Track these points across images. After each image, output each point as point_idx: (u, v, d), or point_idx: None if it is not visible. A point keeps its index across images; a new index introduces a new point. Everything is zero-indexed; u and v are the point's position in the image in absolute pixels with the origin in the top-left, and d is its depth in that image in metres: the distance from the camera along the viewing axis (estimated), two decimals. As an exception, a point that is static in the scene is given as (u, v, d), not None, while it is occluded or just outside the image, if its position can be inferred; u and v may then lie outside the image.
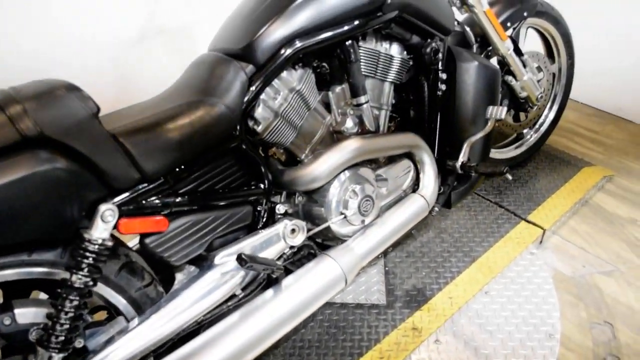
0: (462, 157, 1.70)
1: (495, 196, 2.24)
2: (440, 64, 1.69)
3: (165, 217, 1.22)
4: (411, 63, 1.69)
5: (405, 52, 1.65)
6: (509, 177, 1.62)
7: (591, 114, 3.03)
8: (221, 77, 1.31)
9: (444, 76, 1.72)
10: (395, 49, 1.61)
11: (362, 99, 1.52)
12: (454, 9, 1.79)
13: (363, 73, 1.55)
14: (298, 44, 1.35)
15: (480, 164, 1.69)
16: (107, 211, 1.10)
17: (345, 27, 1.41)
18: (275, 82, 1.38)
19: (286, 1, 1.37)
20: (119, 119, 1.20)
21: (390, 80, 1.63)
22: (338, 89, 1.54)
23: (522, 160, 2.39)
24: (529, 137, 2.39)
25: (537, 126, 2.41)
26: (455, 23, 1.84)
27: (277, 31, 1.35)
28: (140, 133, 1.16)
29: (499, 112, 1.66)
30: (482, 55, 1.96)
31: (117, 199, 1.14)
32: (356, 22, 1.42)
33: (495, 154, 2.30)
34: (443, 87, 1.73)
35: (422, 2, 1.52)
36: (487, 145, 1.82)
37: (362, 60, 1.54)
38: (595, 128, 2.88)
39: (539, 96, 2.13)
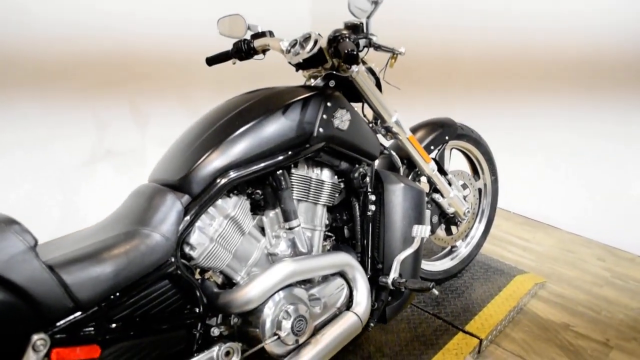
0: (393, 274, 1.79)
1: (434, 308, 2.31)
2: (368, 186, 1.83)
3: (98, 345, 1.24)
4: (342, 186, 1.82)
5: (335, 177, 1.78)
6: (436, 292, 1.71)
7: (522, 222, 3.23)
8: (157, 207, 1.39)
9: (372, 197, 1.85)
10: (325, 175, 1.75)
11: (294, 222, 1.62)
12: (380, 136, 1.97)
13: (296, 197, 1.66)
14: (232, 174, 1.47)
15: (409, 280, 1.78)
16: (39, 341, 1.13)
17: (277, 159, 1.54)
18: (211, 210, 1.48)
19: (220, 136, 1.50)
20: (56, 248, 1.26)
21: (323, 203, 1.74)
22: (271, 213, 1.64)
23: (457, 272, 2.51)
24: (462, 249, 2.53)
25: (468, 239, 2.55)
26: (383, 148, 2.02)
27: (212, 163, 1.46)
28: (76, 263, 1.21)
29: (424, 230, 1.78)
30: (410, 176, 2.13)
31: (50, 328, 1.17)
32: (286, 154, 1.55)
33: (431, 266, 2.41)
34: (373, 207, 1.85)
35: (346, 134, 1.68)
36: (417, 261, 1.92)
37: (294, 186, 1.66)
38: (526, 236, 3.06)
39: (466, 211, 2.30)
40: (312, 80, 1.81)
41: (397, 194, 1.86)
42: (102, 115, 2.98)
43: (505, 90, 3.21)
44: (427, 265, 2.38)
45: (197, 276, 1.56)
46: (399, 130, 1.96)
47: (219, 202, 1.49)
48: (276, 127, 1.54)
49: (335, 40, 1.61)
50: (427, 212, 2.18)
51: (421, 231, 1.78)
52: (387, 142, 2.05)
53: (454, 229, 2.40)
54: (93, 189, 2.99)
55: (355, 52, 1.51)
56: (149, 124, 3.22)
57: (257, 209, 1.65)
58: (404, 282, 1.76)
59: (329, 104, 1.63)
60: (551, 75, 3.00)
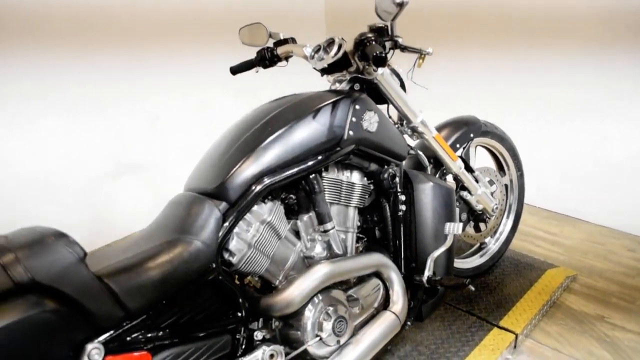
0: (427, 272, 1.81)
1: (467, 305, 2.32)
2: (398, 187, 1.85)
3: (149, 352, 1.27)
4: (372, 187, 1.84)
5: (365, 179, 1.81)
6: (472, 288, 1.72)
7: (548, 216, 3.22)
8: (196, 215, 1.43)
9: (402, 197, 1.87)
10: (356, 177, 1.77)
11: (329, 225, 1.64)
12: (406, 136, 1.99)
13: (328, 201, 1.69)
14: (266, 180, 1.50)
15: (444, 277, 1.79)
16: (94, 350, 1.17)
17: (308, 163, 1.56)
18: (247, 216, 1.51)
19: (253, 144, 1.53)
20: (104, 259, 1.29)
21: (354, 205, 1.77)
22: (305, 217, 1.66)
23: (487, 268, 2.51)
24: (491, 245, 2.53)
25: (497, 235, 2.55)
26: (409, 148, 2.04)
27: (247, 171, 1.49)
28: (124, 273, 1.24)
29: (456, 227, 1.79)
30: (437, 175, 2.14)
31: (103, 337, 1.21)
32: (318, 158, 1.58)
33: (461, 263, 2.42)
34: (403, 207, 1.87)
35: (375, 135, 1.70)
36: (450, 259, 1.94)
37: (326, 189, 1.68)
38: (554, 230, 3.05)
39: (494, 207, 2.30)
40: (337, 84, 1.84)
41: (427, 193, 1.88)
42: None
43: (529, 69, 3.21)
44: (457, 263, 2.39)
45: (237, 282, 1.59)
46: (424, 130, 1.97)
47: (255, 208, 1.52)
48: (307, 132, 1.57)
49: (361, 43, 1.64)
50: (456, 210, 2.20)
51: (453, 228, 1.80)
52: (413, 142, 2.07)
53: (482, 225, 2.40)
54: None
55: (383, 55, 1.54)
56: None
57: (290, 213, 1.68)
58: (439, 280, 1.78)
59: (357, 106, 1.65)
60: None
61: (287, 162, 1.53)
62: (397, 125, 1.98)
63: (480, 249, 2.53)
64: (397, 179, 1.83)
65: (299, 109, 1.61)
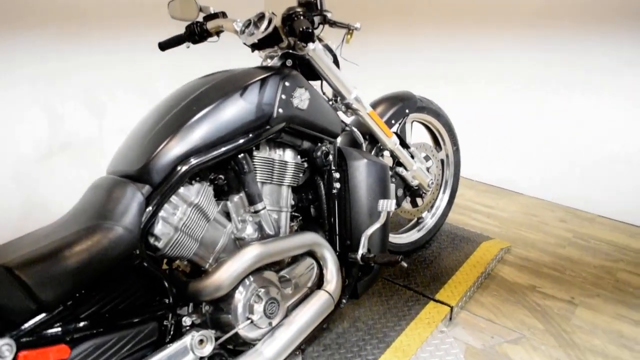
0: (362, 249, 1.81)
1: (404, 280, 2.35)
2: (332, 164, 1.83)
3: (67, 345, 1.22)
4: (306, 166, 1.81)
5: (298, 157, 1.77)
6: (404, 264, 1.73)
7: (486, 190, 3.29)
8: (118, 200, 1.36)
9: (337, 175, 1.85)
10: (288, 155, 1.74)
11: (259, 205, 1.61)
12: (340, 113, 1.97)
13: (260, 180, 1.65)
14: (192, 161, 1.44)
15: (378, 255, 1.80)
16: (4, 346, 1.10)
17: (237, 143, 1.51)
18: (173, 199, 1.45)
19: (178, 123, 1.47)
20: (14, 250, 1.22)
21: (287, 184, 1.74)
22: (236, 198, 1.62)
23: (424, 242, 2.55)
24: (427, 220, 2.56)
25: (433, 210, 2.59)
26: (344, 125, 2.02)
27: (171, 151, 1.43)
28: (36, 264, 1.17)
29: (389, 205, 1.79)
30: (373, 152, 2.13)
31: (14, 332, 1.14)
32: (246, 137, 1.53)
33: (399, 238, 2.44)
34: (337, 185, 1.85)
35: (306, 113, 1.66)
36: (385, 235, 1.94)
37: (257, 168, 1.64)
38: (490, 203, 3.12)
39: (430, 182, 2.32)
40: (269, 60, 1.79)
41: (361, 170, 1.87)
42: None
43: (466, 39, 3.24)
44: (394, 238, 2.41)
45: (165, 266, 1.54)
46: (359, 107, 1.95)
47: (181, 190, 1.47)
48: (235, 110, 1.52)
49: (289, 18, 1.59)
50: (392, 186, 2.21)
51: (387, 205, 1.79)
52: (348, 119, 2.05)
53: (419, 200, 2.43)
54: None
55: (310, 30, 1.50)
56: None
57: (221, 194, 1.64)
58: (373, 257, 1.78)
59: (287, 83, 1.61)
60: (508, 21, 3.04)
61: (213, 141, 1.48)
62: (331, 102, 1.96)
63: (417, 223, 2.56)
64: (331, 157, 1.81)
65: (227, 86, 1.56)
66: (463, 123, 2.76)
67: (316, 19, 1.67)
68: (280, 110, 1.58)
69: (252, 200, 1.60)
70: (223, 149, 1.49)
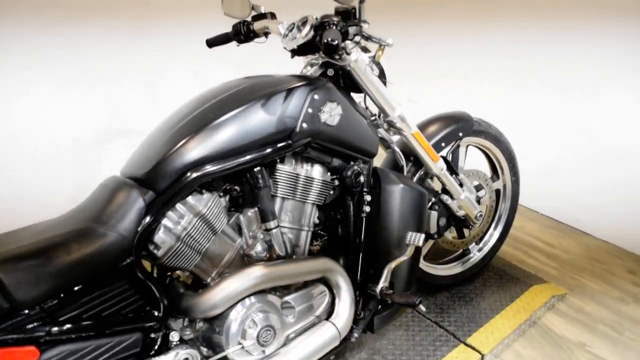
0: (382, 283, 1.66)
1: (437, 315, 2.17)
2: (363, 186, 1.69)
3: (37, 347, 1.17)
4: (336, 183, 1.68)
5: (328, 174, 1.65)
6: (423, 308, 1.57)
7: (550, 225, 3.00)
8: (117, 203, 1.31)
9: (368, 198, 1.71)
10: (316, 171, 1.62)
11: (271, 224, 1.50)
12: (383, 131, 1.82)
13: (282, 195, 1.55)
14: (201, 170, 1.35)
15: (397, 292, 1.64)
16: None
17: (252, 155, 1.41)
18: (180, 207, 1.37)
19: (191, 129, 1.39)
20: (1, 245, 1.19)
21: (312, 201, 1.62)
22: (250, 212, 1.52)
23: (467, 277, 2.34)
24: (474, 253, 2.36)
25: (482, 244, 2.37)
26: (386, 144, 1.87)
27: (180, 158, 1.35)
28: (16, 262, 1.13)
29: (418, 238, 1.63)
30: (418, 175, 1.97)
31: None
32: (264, 151, 1.42)
33: (438, 269, 2.25)
34: (367, 208, 1.71)
35: (336, 129, 1.53)
36: (411, 271, 1.78)
37: (280, 182, 1.54)
38: (552, 241, 2.84)
39: (478, 215, 2.12)
40: (309, 68, 1.68)
41: (395, 196, 1.72)
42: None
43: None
44: (433, 269, 2.23)
45: (167, 275, 1.48)
46: (403, 126, 1.79)
47: (190, 198, 1.39)
48: (254, 121, 1.41)
49: (321, 27, 1.46)
50: (434, 214, 2.03)
51: (415, 239, 1.63)
52: (393, 138, 1.89)
53: (466, 232, 2.23)
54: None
55: (335, 43, 1.37)
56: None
57: (235, 206, 1.54)
58: (391, 294, 1.63)
59: (316, 96, 1.48)
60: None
61: (227, 151, 1.39)
62: (374, 118, 1.81)
63: (462, 255, 2.35)
64: (362, 178, 1.67)
65: (250, 94, 1.46)
66: (533, 148, 2.51)
67: (351, 30, 1.53)
68: (305, 125, 1.46)
69: (264, 217, 1.50)
70: (237, 160, 1.39)
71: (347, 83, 1.68)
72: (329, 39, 1.36)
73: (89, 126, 2.85)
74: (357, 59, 1.61)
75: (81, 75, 2.74)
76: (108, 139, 2.91)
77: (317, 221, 1.70)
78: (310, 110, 1.47)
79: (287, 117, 1.44)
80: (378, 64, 1.72)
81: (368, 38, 1.58)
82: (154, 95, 3.05)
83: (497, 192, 2.33)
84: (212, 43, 1.87)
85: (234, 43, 1.83)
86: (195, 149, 1.37)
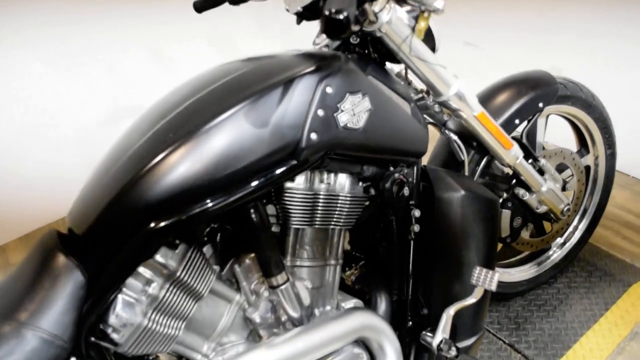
0: (442, 333, 1.20)
1: (510, 333, 1.71)
2: (410, 198, 1.21)
3: None
4: (372, 192, 1.21)
5: (359, 185, 1.18)
6: None
7: (646, 192, 2.43)
8: (47, 285, 0.89)
9: (417, 213, 1.24)
10: (342, 185, 1.14)
11: (279, 279, 1.05)
12: (433, 112, 1.31)
13: (295, 225, 1.09)
14: (164, 220, 0.90)
15: (462, 356, 1.18)
16: None
17: (238, 191, 0.94)
18: (143, 270, 0.94)
19: (150, 153, 0.93)
20: None
21: (340, 226, 1.16)
22: (248, 258, 1.08)
23: (546, 280, 1.85)
24: (554, 251, 1.85)
25: (564, 237, 1.85)
26: (442, 129, 1.36)
27: (133, 201, 0.91)
28: None
29: (489, 280, 1.15)
30: (480, 169, 1.46)
31: None
32: (255, 181, 0.95)
33: (507, 273, 1.77)
34: (417, 227, 1.24)
35: (363, 133, 1.04)
36: (480, 316, 1.31)
37: (291, 207, 1.08)
38: (651, 214, 2.28)
39: (565, 208, 1.60)
40: (325, 37, 1.18)
41: (454, 208, 1.23)
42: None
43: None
44: (502, 274, 1.75)
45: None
46: (461, 106, 1.27)
47: (158, 256, 0.95)
48: (238, 138, 0.93)
49: None
50: (506, 213, 1.54)
51: (485, 280, 1.15)
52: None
53: (546, 223, 1.71)
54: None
55: (342, 18, 0.83)
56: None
57: (229, 246, 1.10)
58: (453, 357, 1.18)
59: (328, 89, 0.98)
60: None
61: (199, 188, 0.92)
62: (422, 95, 1.30)
63: (539, 252, 1.85)
64: (407, 190, 1.19)
65: (229, 95, 0.97)
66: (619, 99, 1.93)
67: None
68: (314, 136, 0.97)
69: (267, 271, 1.05)
70: (216, 202, 0.93)
71: (379, 49, 1.17)
72: (331, 11, 0.82)
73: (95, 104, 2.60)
74: (390, 20, 1.08)
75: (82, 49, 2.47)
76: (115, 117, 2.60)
77: (347, 247, 1.25)
78: (321, 113, 0.97)
79: (285, 128, 0.95)
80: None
81: (403, 1, 1.04)
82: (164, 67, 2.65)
83: (587, 169, 1.78)
84: (200, 7, 1.37)
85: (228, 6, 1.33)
86: (152, 188, 0.91)
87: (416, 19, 1.06)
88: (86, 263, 0.90)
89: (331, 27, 0.78)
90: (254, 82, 0.97)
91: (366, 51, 1.18)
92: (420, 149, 1.19)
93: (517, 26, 2.65)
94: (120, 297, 0.92)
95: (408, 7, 1.07)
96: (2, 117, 2.37)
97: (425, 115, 1.28)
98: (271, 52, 1.11)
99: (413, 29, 1.06)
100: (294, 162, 0.97)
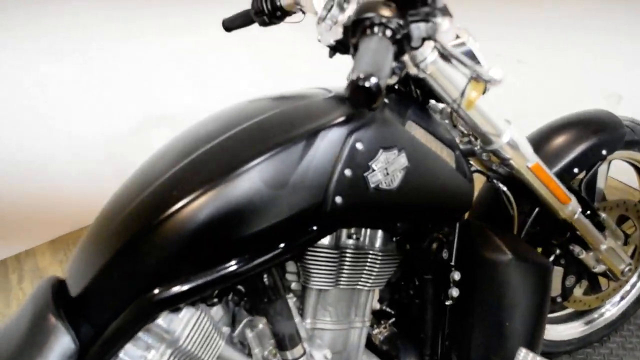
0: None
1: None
2: (450, 259, 1.07)
3: None
4: (408, 247, 1.08)
5: (391, 241, 1.05)
6: None
7: None
8: (37, 353, 0.80)
9: (456, 276, 1.10)
10: (371, 241, 1.02)
11: (295, 353, 0.93)
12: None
13: (316, 285, 0.97)
14: (163, 292, 0.80)
15: None
16: None
17: (249, 261, 0.83)
18: (142, 336, 0.84)
19: (150, 211, 0.82)
20: None
21: (368, 287, 1.03)
22: (260, 324, 0.97)
23: (598, 339, 1.66)
24: (609, 309, 1.66)
25: (620, 294, 1.66)
26: (489, 177, 1.21)
27: (127, 269, 0.82)
28: None
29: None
30: (529, 222, 1.30)
31: None
32: (272, 248, 0.83)
33: (556, 331, 1.60)
34: (455, 292, 1.10)
35: (397, 193, 0.90)
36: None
37: (312, 268, 0.96)
38: None
39: (627, 269, 1.42)
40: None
41: (500, 275, 1.09)
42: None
43: None
44: (549, 331, 1.58)
45: None
46: (513, 155, 1.11)
47: (159, 320, 0.84)
48: (251, 198, 0.81)
49: (359, 24, 0.78)
50: (558, 270, 1.37)
51: (531, 363, 1.01)
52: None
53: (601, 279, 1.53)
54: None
55: (371, 86, 0.63)
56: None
57: (240, 307, 0.99)
58: None
59: (359, 144, 0.85)
60: None
61: (208, 253, 0.81)
62: (469, 139, 1.16)
63: (590, 310, 1.66)
64: (446, 253, 1.05)
65: (250, 144, 0.85)
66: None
67: (415, 32, 0.80)
68: (339, 200, 0.84)
69: (281, 344, 0.93)
70: (223, 270, 0.81)
71: (422, 86, 1.03)
72: (359, 77, 0.66)
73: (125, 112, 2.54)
74: (435, 61, 0.92)
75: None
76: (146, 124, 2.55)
77: (377, 306, 1.13)
78: (348, 173, 0.84)
79: (306, 189, 0.82)
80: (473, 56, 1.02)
81: (446, 57, 0.88)
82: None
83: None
84: (230, 25, 1.27)
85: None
86: (156, 249, 0.81)
87: (467, 83, 0.90)
88: (79, 327, 0.81)
89: (357, 97, 0.64)
90: (276, 131, 0.85)
91: (407, 89, 1.04)
92: (464, 205, 1.05)
93: (573, 44, 2.46)
94: None
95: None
96: (31, 120, 2.34)
97: (471, 161, 1.14)
98: (300, 91, 0.99)
99: (462, 93, 0.90)
100: (315, 228, 0.85)
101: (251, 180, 0.80)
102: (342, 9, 0.93)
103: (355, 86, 0.63)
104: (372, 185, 0.86)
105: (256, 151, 0.82)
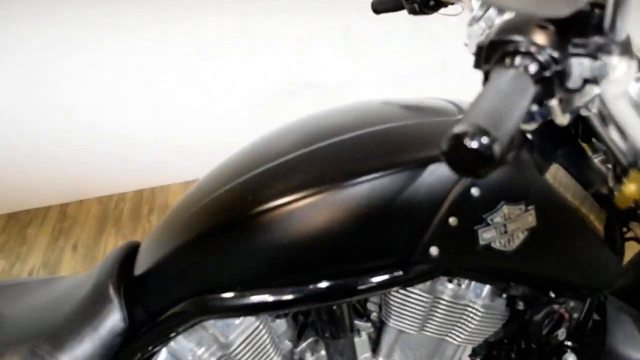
0: None
1: None
2: (565, 340, 0.88)
3: None
4: (520, 307, 0.90)
5: (500, 298, 0.88)
6: None
7: None
8: (88, 324, 0.79)
9: (571, 359, 0.90)
10: (476, 294, 0.86)
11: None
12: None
13: (399, 327, 0.85)
14: (224, 300, 0.73)
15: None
16: None
17: (318, 292, 0.72)
18: (198, 330, 0.79)
19: (219, 213, 0.76)
20: None
21: (461, 341, 0.89)
22: (322, 351, 0.87)
23: None
24: None
25: None
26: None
27: (192, 262, 0.77)
28: None
29: None
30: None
31: None
32: (348, 283, 0.72)
33: None
34: (571, 363, 0.91)
35: (510, 258, 0.72)
36: None
37: (400, 309, 0.83)
38: None
39: None
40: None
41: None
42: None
43: None
44: None
45: None
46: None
47: (217, 321, 0.79)
48: (332, 223, 0.70)
49: (496, 48, 0.57)
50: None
51: None
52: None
53: None
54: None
55: (484, 150, 0.42)
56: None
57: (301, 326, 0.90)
58: None
59: (474, 190, 0.68)
60: None
61: (274, 274, 0.73)
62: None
63: None
64: (564, 331, 0.86)
65: (340, 164, 0.73)
66: None
67: (580, 66, 0.58)
68: (434, 252, 0.68)
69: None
70: (282, 297, 0.72)
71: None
72: (465, 133, 0.42)
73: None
74: (602, 95, 0.68)
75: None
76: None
77: (466, 360, 0.98)
78: (453, 221, 0.68)
79: (398, 227, 0.69)
80: None
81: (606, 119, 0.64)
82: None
83: None
84: (378, 7, 1.16)
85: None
86: (219, 252, 0.74)
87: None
88: (133, 308, 0.78)
89: (458, 158, 0.45)
90: (372, 154, 0.72)
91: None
92: (603, 282, 0.84)
93: None
94: (164, 350, 0.80)
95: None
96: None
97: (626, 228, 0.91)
98: (428, 103, 0.84)
99: (619, 180, 0.68)
100: (400, 273, 0.71)
101: (340, 203, 0.69)
102: (501, 10, 0.76)
103: (456, 143, 0.43)
104: (482, 243, 0.69)
105: (350, 172, 0.70)
